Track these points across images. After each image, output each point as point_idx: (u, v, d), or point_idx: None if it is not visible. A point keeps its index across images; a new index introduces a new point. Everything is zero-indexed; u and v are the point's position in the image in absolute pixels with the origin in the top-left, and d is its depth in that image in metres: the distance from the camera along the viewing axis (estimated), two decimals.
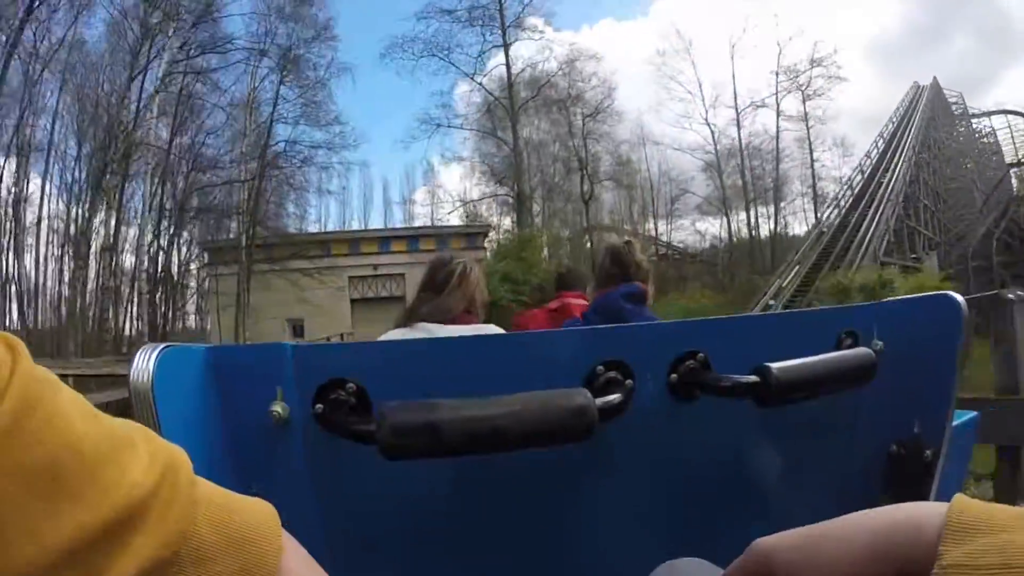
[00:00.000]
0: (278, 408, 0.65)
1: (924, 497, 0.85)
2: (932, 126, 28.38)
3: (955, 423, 0.87)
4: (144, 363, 0.61)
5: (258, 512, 0.39)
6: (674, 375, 0.71)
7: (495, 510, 0.70)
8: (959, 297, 0.85)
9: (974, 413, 1.09)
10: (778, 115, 29.48)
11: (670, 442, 0.73)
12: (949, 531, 0.29)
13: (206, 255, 23.25)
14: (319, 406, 0.64)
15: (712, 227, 30.59)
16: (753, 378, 0.70)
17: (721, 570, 0.49)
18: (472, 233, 24.72)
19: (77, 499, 0.30)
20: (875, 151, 27.00)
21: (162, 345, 0.63)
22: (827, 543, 0.35)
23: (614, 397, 0.66)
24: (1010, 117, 29.41)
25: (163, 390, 0.61)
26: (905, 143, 26.22)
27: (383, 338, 0.97)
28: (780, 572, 0.36)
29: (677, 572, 0.60)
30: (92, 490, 0.31)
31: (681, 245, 30.86)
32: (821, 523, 0.37)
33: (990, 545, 0.28)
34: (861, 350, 0.79)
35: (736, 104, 29.60)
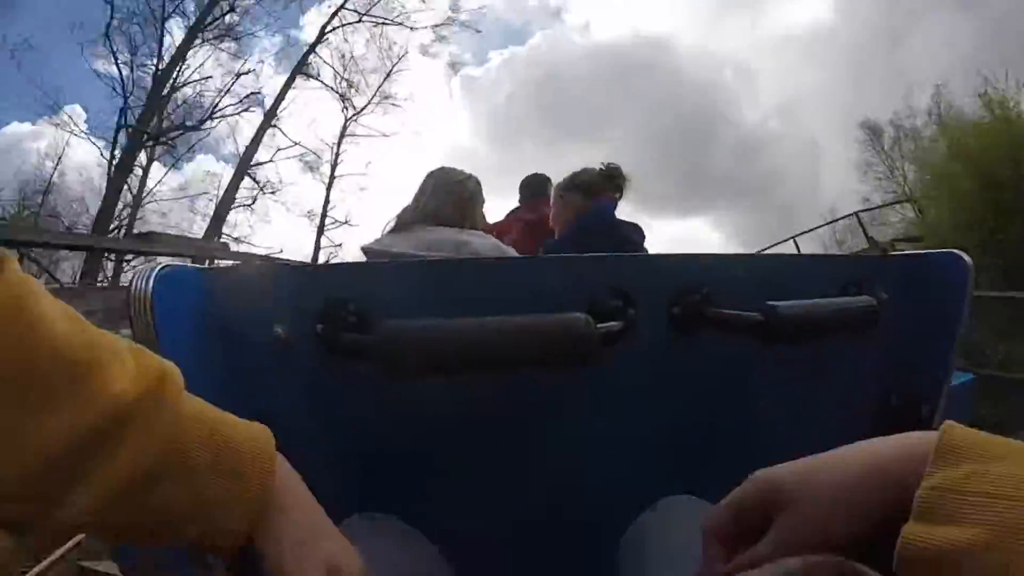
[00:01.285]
0: (279, 329, 0.64)
1: None
2: None
3: (954, 383, 0.87)
4: (143, 283, 0.61)
5: (251, 432, 0.40)
6: (676, 308, 0.71)
7: (495, 432, 0.70)
8: (967, 257, 0.85)
9: (972, 376, 1.09)
10: None
11: (670, 374, 0.72)
12: (937, 455, 0.29)
13: None
14: (320, 326, 0.64)
15: None
16: (757, 315, 0.70)
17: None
18: None
19: (58, 406, 0.30)
20: None
21: (160, 265, 0.63)
22: (825, 470, 0.36)
23: (615, 324, 0.65)
24: None
25: (163, 312, 0.60)
26: None
27: (373, 243, 0.96)
28: (781, 499, 0.36)
29: (672, 510, 0.59)
30: (74, 397, 0.31)
31: None
32: (820, 454, 0.37)
33: (977, 471, 0.27)
34: (864, 298, 0.79)
35: None
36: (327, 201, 14.82)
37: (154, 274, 0.62)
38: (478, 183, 1.12)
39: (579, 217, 1.25)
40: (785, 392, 0.79)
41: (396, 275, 0.68)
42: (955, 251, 0.86)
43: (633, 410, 0.72)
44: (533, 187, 2.11)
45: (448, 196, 1.04)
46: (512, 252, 1.04)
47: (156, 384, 0.35)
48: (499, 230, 1.79)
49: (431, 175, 1.08)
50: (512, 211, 2.14)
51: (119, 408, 0.32)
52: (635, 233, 1.23)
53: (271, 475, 0.38)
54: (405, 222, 1.01)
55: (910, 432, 0.35)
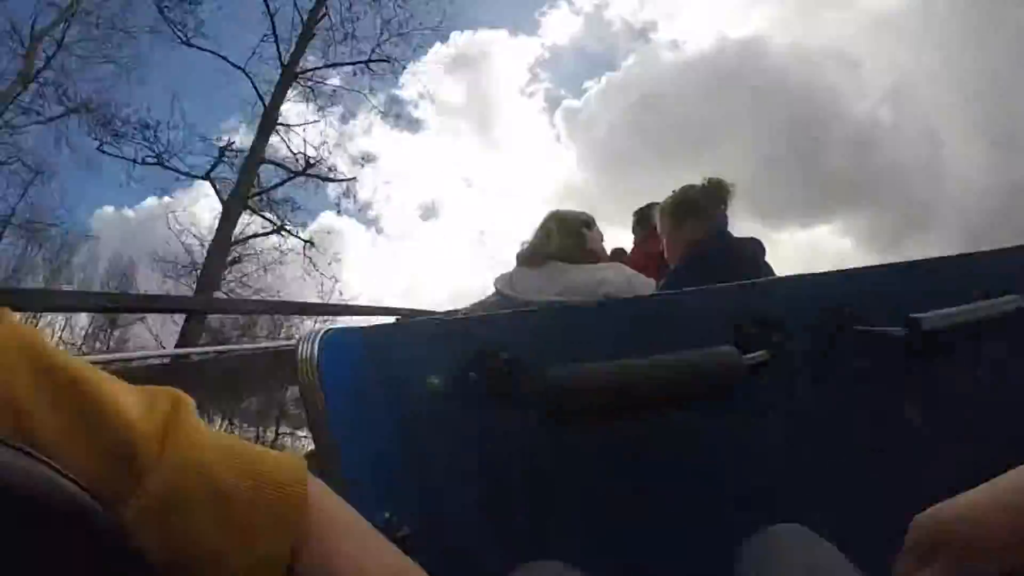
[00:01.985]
0: (434, 379, 0.68)
1: None
2: None
3: None
4: (308, 348, 0.66)
5: (280, 459, 0.37)
6: (821, 330, 0.70)
7: (647, 466, 0.71)
8: None
9: None
10: None
11: (820, 397, 0.71)
12: None
13: None
14: (473, 375, 0.68)
15: None
16: (902, 330, 0.68)
17: (820, 539, 0.49)
18: None
19: (76, 435, 0.31)
20: None
21: (324, 329, 0.68)
22: (986, 506, 0.34)
23: (761, 354, 0.65)
24: None
25: (328, 372, 0.65)
26: None
27: (506, 286, 0.98)
28: (954, 547, 0.34)
29: (776, 539, 0.58)
30: (92, 425, 0.31)
31: None
32: (981, 488, 0.35)
33: None
34: (1013, 298, 0.75)
35: None
36: None
37: (318, 338, 0.67)
38: (592, 219, 1.14)
39: (694, 243, 1.23)
40: (937, 407, 0.76)
41: (543, 322, 0.71)
42: None
43: (781, 433, 0.72)
44: (650, 217, 2.01)
45: (569, 234, 1.06)
46: (644, 280, 1.05)
47: (171, 409, 0.34)
48: (629, 263, 1.77)
49: (552, 216, 1.11)
50: (638, 243, 2.10)
51: (136, 429, 0.32)
52: (756, 248, 1.20)
53: (305, 500, 0.36)
54: (532, 259, 1.04)
55: None
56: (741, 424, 0.71)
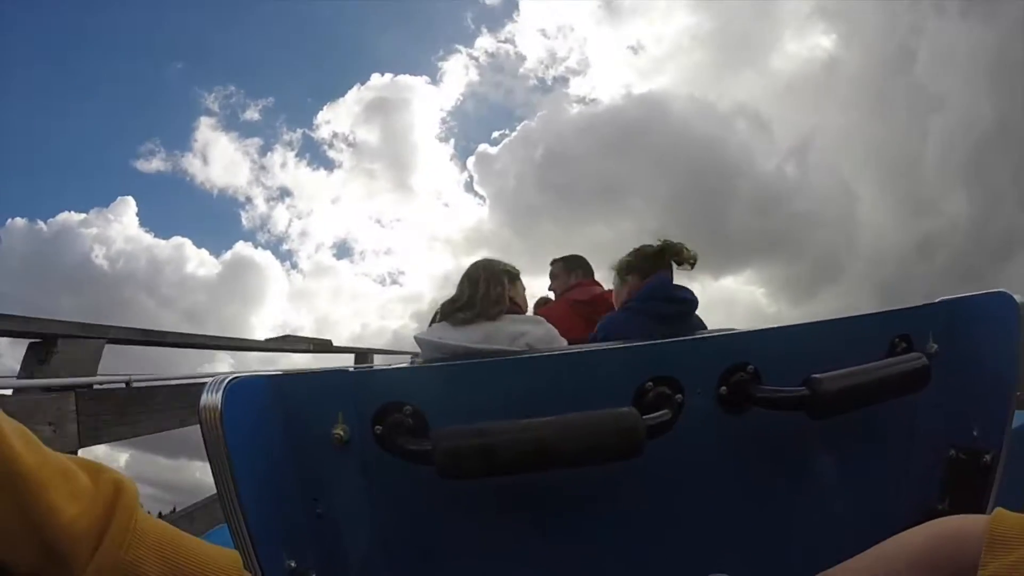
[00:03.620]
0: (339, 431, 0.68)
1: (983, 502, 0.83)
2: None
3: (1016, 425, 0.85)
4: (212, 396, 0.64)
5: (214, 555, 0.38)
6: (723, 388, 0.71)
7: (546, 525, 0.71)
8: (1016, 294, 0.82)
9: None
10: None
11: (721, 455, 0.73)
12: (989, 544, 0.30)
13: None
14: (378, 428, 0.67)
15: None
16: (802, 390, 0.70)
17: None
18: None
19: (10, 528, 0.31)
20: None
21: (229, 376, 0.67)
22: (879, 567, 0.36)
23: (662, 414, 0.66)
24: None
25: (231, 420, 0.64)
26: None
27: (428, 335, 0.99)
28: None
29: None
30: (28, 517, 0.31)
31: None
32: (867, 551, 0.38)
33: None
34: (913, 356, 0.78)
35: None
36: None
37: (224, 385, 0.66)
38: (518, 271, 1.15)
39: (637, 293, 1.26)
40: (839, 460, 0.78)
41: (448, 377, 0.71)
42: (1002, 290, 0.83)
43: (684, 493, 0.73)
44: (570, 266, 2.09)
45: (494, 285, 1.06)
46: (560, 339, 1.06)
47: (110, 503, 0.34)
48: (547, 312, 1.79)
49: (474, 266, 1.12)
50: (564, 291, 2.09)
51: (72, 530, 0.32)
52: (688, 294, 1.23)
53: None
54: (451, 311, 1.04)
55: (954, 516, 0.36)
56: (649, 482, 0.72)
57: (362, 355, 4.32)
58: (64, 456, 0.35)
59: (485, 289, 1.05)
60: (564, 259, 2.12)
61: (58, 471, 0.33)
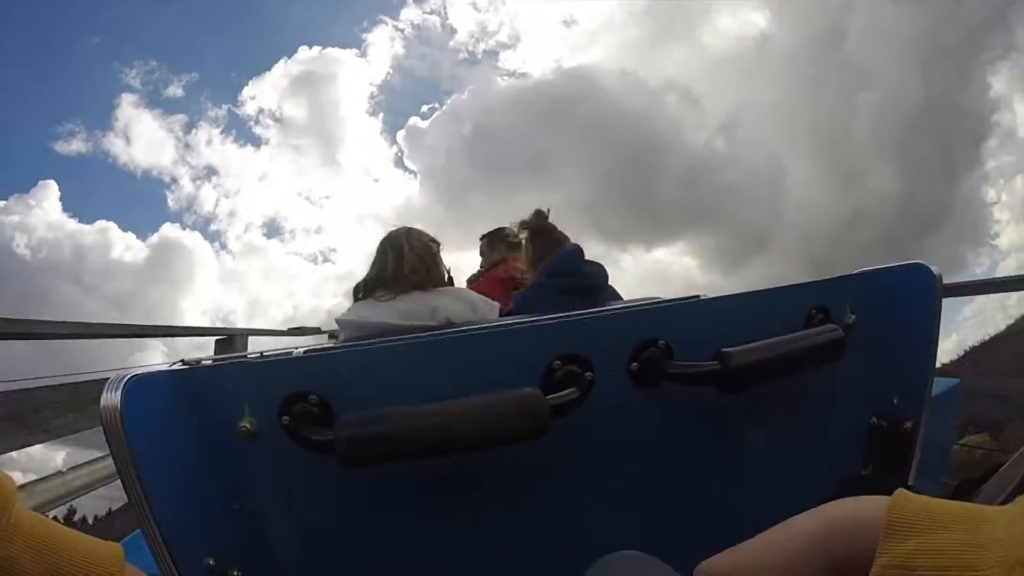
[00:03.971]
0: (246, 423, 0.66)
1: (905, 468, 0.85)
2: None
3: (936, 392, 0.86)
4: (112, 395, 0.62)
5: (94, 548, 0.37)
6: (635, 364, 0.71)
7: (455, 509, 0.71)
8: (932, 266, 0.83)
9: (956, 380, 1.07)
10: None
11: (633, 433, 0.73)
12: (887, 530, 0.29)
13: None
14: (285, 418, 0.66)
15: None
16: (714, 364, 0.70)
17: (660, 562, 0.50)
18: None
19: None
20: None
21: (128, 375, 0.65)
22: (761, 555, 0.35)
23: (569, 392, 0.66)
24: None
25: (133, 420, 0.61)
26: None
27: (348, 314, 0.96)
28: None
29: (613, 567, 0.60)
30: None
31: None
32: (762, 534, 0.37)
33: (924, 545, 0.27)
34: (827, 327, 0.78)
35: None
36: None
37: (123, 384, 0.64)
38: (438, 243, 1.13)
39: (545, 267, 1.25)
40: (757, 434, 0.79)
41: (351, 362, 0.70)
42: (920, 262, 0.84)
43: (596, 472, 0.73)
44: (494, 240, 2.08)
45: (414, 257, 1.04)
46: (491, 304, 1.04)
47: None
48: (475, 290, 1.79)
49: (390, 237, 1.09)
50: (487, 269, 2.10)
51: None
52: (598, 268, 1.23)
53: None
54: (374, 287, 1.02)
55: (850, 499, 0.34)
56: (559, 462, 0.71)
57: (227, 340, 3.75)
58: None
59: (401, 264, 1.03)
60: (488, 235, 2.13)
61: None
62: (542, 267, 1.29)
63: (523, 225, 1.37)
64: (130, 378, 0.64)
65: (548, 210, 1.34)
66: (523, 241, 1.37)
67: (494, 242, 2.10)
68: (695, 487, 0.76)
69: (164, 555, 0.64)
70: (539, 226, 1.34)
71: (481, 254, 2.15)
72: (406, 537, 0.71)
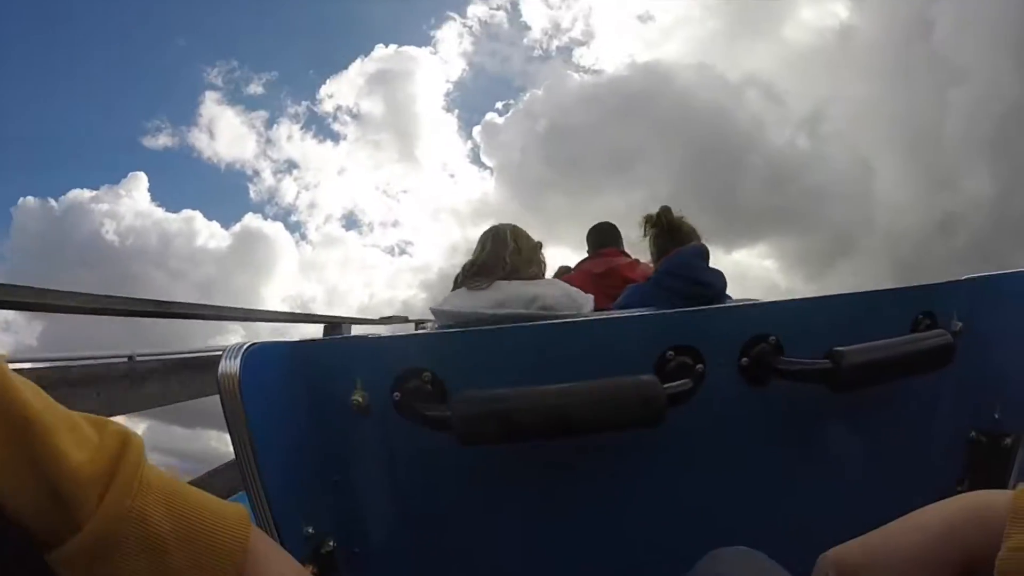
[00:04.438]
0: (358, 397, 0.68)
1: (1003, 485, 0.82)
2: None
3: None
4: (231, 363, 0.64)
5: (222, 508, 0.38)
6: (745, 359, 0.70)
7: (565, 492, 0.71)
8: None
9: None
10: None
11: (741, 426, 0.72)
12: (1015, 517, 0.29)
13: None
14: (397, 394, 0.67)
15: None
16: (825, 363, 0.69)
17: (768, 558, 0.49)
18: None
19: (19, 470, 0.31)
20: None
21: (247, 344, 0.66)
22: (895, 544, 0.35)
23: (683, 383, 0.66)
24: None
25: (250, 388, 0.63)
26: None
27: (443, 303, 0.98)
28: None
29: (721, 561, 0.59)
30: (35, 463, 0.31)
31: None
32: (889, 524, 0.37)
33: None
34: (937, 332, 0.76)
35: None
36: None
37: (241, 352, 0.66)
38: (541, 244, 1.13)
39: (662, 266, 1.25)
40: (859, 436, 0.77)
41: (466, 343, 0.71)
42: None
43: (704, 463, 0.72)
44: (598, 237, 2.08)
45: (515, 249, 1.05)
46: (582, 296, 1.04)
47: (117, 453, 0.34)
48: (569, 283, 1.80)
49: (495, 228, 1.10)
50: (580, 262, 2.11)
51: (78, 476, 0.32)
52: (716, 279, 1.21)
53: (242, 552, 0.36)
54: (472, 274, 1.03)
55: (978, 491, 0.35)
56: (670, 451, 0.71)
57: (335, 326, 3.78)
58: (69, 410, 0.35)
59: (497, 254, 1.04)
60: (591, 228, 2.15)
61: (65, 420, 0.33)
62: (661, 263, 1.28)
63: (647, 219, 1.37)
64: (249, 347, 0.66)
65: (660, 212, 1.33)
66: (646, 237, 1.37)
67: (589, 239, 2.10)
68: (799, 483, 0.75)
69: (268, 520, 0.65)
70: (664, 221, 1.34)
71: (588, 252, 2.13)
72: (510, 518, 0.71)
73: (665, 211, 1.39)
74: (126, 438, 0.35)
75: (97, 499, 0.32)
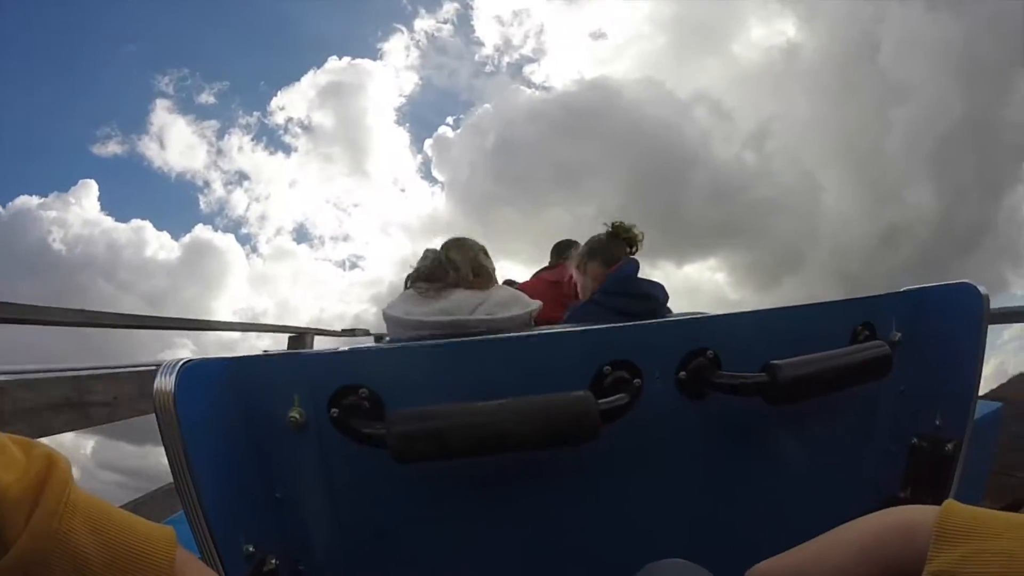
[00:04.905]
0: (295, 414, 0.67)
1: (945, 491, 0.83)
2: None
3: (978, 415, 0.85)
4: (165, 380, 0.63)
5: (148, 530, 0.37)
6: (683, 373, 0.71)
7: (502, 508, 0.71)
8: (980, 286, 0.82)
9: (998, 404, 1.06)
10: None
11: (679, 440, 0.73)
12: (938, 537, 0.30)
13: None
14: (334, 411, 0.67)
15: None
16: (762, 376, 0.70)
17: (705, 571, 0.50)
18: None
19: None
20: None
21: (182, 360, 0.66)
22: (822, 559, 0.36)
23: (619, 397, 0.66)
24: None
25: (185, 405, 0.62)
26: None
27: (388, 310, 0.97)
28: None
29: (657, 574, 0.60)
30: None
31: None
32: (814, 540, 0.37)
33: (973, 552, 0.28)
34: (875, 344, 0.78)
35: None
36: None
37: (177, 369, 0.65)
38: (485, 249, 1.14)
39: (601, 285, 1.26)
40: (800, 447, 0.78)
41: (403, 359, 0.70)
42: (967, 281, 0.83)
43: (641, 478, 0.73)
44: (558, 250, 2.22)
45: (461, 255, 1.05)
46: (527, 298, 1.04)
47: (43, 475, 0.34)
48: (523, 288, 1.83)
49: (450, 241, 1.10)
50: (539, 270, 2.22)
51: (5, 497, 0.32)
52: (656, 291, 1.23)
53: (168, 573, 0.36)
54: (416, 281, 1.02)
55: (903, 507, 0.35)
56: (605, 466, 0.71)
57: (298, 337, 3.95)
58: None
59: (460, 257, 1.04)
60: (561, 243, 2.28)
61: None
62: (597, 284, 1.29)
63: (588, 242, 1.39)
64: (184, 363, 0.65)
65: (612, 224, 1.34)
66: (580, 255, 1.38)
67: (554, 250, 2.22)
68: (738, 497, 0.76)
69: (207, 539, 0.65)
70: (600, 241, 1.35)
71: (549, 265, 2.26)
72: (448, 533, 0.71)
73: (615, 227, 1.40)
74: (52, 460, 0.35)
75: (24, 520, 0.32)
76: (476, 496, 0.71)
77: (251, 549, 0.68)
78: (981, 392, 0.84)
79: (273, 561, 0.69)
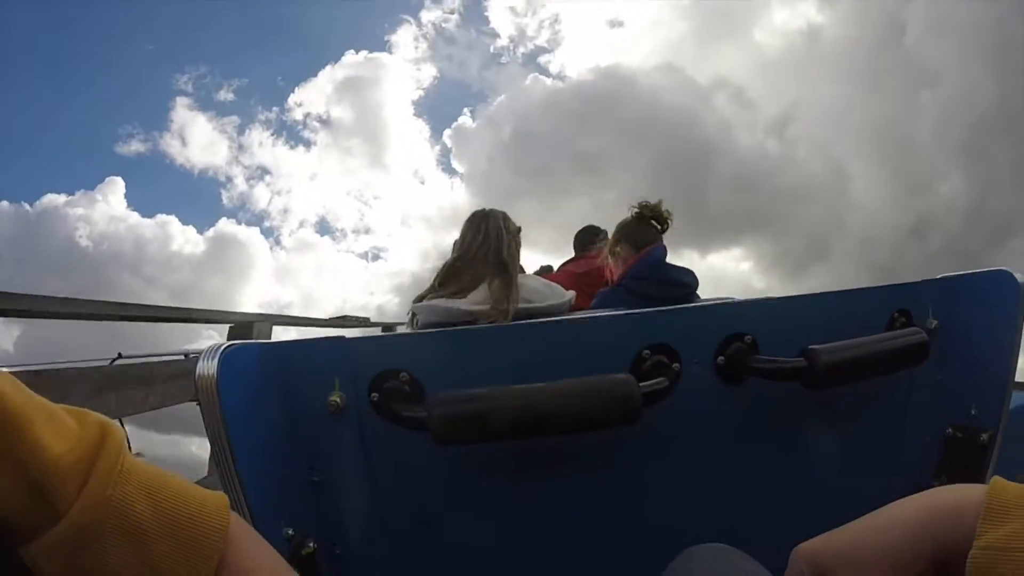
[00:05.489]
0: (335, 398, 0.68)
1: (979, 481, 0.83)
2: None
3: (1014, 405, 0.85)
4: (208, 363, 0.64)
5: (202, 496, 0.37)
6: (721, 358, 0.71)
7: (541, 491, 0.72)
8: (1018, 273, 0.82)
9: None
10: None
11: (717, 424, 0.73)
12: (987, 513, 0.30)
13: None
14: (374, 395, 0.68)
15: None
16: (800, 361, 0.69)
17: (745, 556, 0.50)
18: None
19: (2, 464, 0.31)
20: None
21: (225, 344, 0.66)
22: (868, 537, 0.36)
23: (659, 381, 0.66)
24: None
25: (227, 388, 0.63)
26: None
27: (427, 301, 0.96)
28: (826, 574, 0.36)
29: (698, 558, 0.60)
30: (11, 455, 0.31)
31: None
32: (862, 518, 0.37)
33: (1020, 529, 0.28)
34: (912, 330, 0.77)
35: None
36: None
37: (219, 353, 0.66)
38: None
39: (629, 270, 1.25)
40: (835, 434, 0.78)
41: (443, 343, 0.71)
42: (1004, 268, 0.83)
43: (680, 461, 0.73)
44: (581, 240, 2.14)
45: (505, 244, 1.04)
46: (561, 288, 1.04)
47: (96, 442, 0.34)
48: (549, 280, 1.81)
49: (489, 215, 1.09)
50: (563, 263, 2.18)
51: (58, 466, 0.32)
52: (688, 277, 1.22)
53: (223, 538, 0.36)
54: (451, 275, 1.02)
55: (952, 486, 0.35)
56: (646, 449, 0.72)
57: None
58: (47, 401, 0.35)
59: (503, 247, 1.03)
60: (578, 231, 2.23)
61: (43, 411, 0.33)
62: (627, 268, 1.28)
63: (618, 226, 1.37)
64: (226, 347, 0.66)
65: (639, 205, 1.33)
66: (612, 240, 1.36)
67: (576, 239, 2.15)
68: (775, 481, 0.75)
69: (247, 521, 0.65)
70: (628, 223, 1.34)
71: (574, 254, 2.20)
72: (486, 517, 0.71)
73: (642, 208, 1.39)
74: (106, 427, 0.35)
75: (77, 489, 0.32)
76: (515, 480, 0.71)
77: (290, 532, 0.68)
78: (1017, 380, 0.84)
79: (311, 544, 0.69)
